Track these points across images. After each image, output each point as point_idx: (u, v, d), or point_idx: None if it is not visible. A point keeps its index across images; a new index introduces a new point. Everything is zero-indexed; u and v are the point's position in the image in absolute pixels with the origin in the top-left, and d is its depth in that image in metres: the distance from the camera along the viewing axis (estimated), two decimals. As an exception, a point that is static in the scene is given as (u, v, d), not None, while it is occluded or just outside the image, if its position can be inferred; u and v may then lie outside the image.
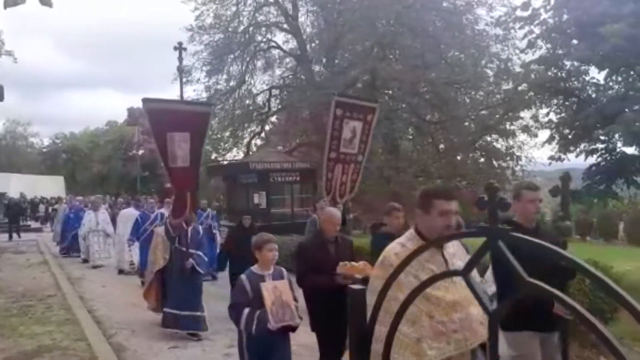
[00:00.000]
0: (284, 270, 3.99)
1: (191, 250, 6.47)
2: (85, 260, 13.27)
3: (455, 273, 1.48)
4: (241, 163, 19.59)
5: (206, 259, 6.79)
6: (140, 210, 11.96)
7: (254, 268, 3.89)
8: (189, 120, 4.96)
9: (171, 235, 6.43)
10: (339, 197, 5.92)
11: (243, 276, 3.82)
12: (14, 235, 20.54)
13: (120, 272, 11.81)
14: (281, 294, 3.68)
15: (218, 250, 10.70)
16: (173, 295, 6.49)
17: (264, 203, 16.71)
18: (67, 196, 25.36)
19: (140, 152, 46.01)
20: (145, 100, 4.84)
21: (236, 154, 24.67)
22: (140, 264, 10.06)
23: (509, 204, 1.31)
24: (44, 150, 59.30)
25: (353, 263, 4.13)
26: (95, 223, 12.96)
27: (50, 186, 38.72)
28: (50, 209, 19.06)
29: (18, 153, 56.41)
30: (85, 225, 13.10)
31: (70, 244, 14.74)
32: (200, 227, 7.08)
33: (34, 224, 25.71)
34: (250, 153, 22.42)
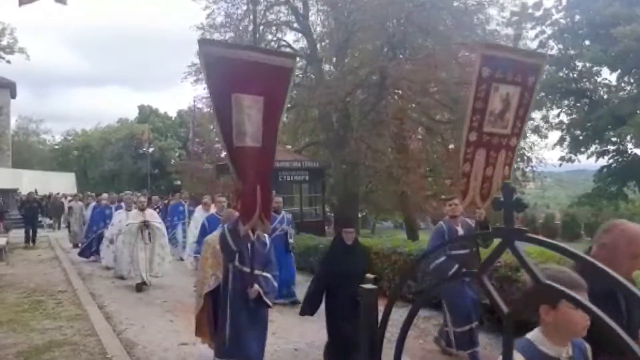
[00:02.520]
0: (587, 346, 1.98)
1: (256, 272, 4.47)
2: (108, 268, 11.59)
3: (470, 274, 1.47)
4: (250, 162, 19.56)
5: (275, 283, 4.69)
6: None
7: (537, 340, 1.86)
8: (265, 77, 3.33)
9: (232, 250, 4.31)
10: (480, 199, 4.00)
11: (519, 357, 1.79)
12: (30, 240, 17.12)
13: (139, 286, 9.47)
14: None
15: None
16: (234, 335, 4.42)
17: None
18: (87, 193, 25.15)
19: (151, 149, 46.38)
20: (202, 43, 3.28)
21: (246, 153, 24.56)
22: None
23: (525, 204, 1.31)
24: (56, 147, 59.84)
25: None
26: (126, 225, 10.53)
27: (62, 183, 39.04)
28: (67, 208, 18.03)
29: (30, 150, 56.84)
30: (115, 226, 10.95)
31: (89, 246, 13.31)
32: (267, 238, 4.77)
33: (46, 221, 25.86)
34: (260, 152, 22.37)
